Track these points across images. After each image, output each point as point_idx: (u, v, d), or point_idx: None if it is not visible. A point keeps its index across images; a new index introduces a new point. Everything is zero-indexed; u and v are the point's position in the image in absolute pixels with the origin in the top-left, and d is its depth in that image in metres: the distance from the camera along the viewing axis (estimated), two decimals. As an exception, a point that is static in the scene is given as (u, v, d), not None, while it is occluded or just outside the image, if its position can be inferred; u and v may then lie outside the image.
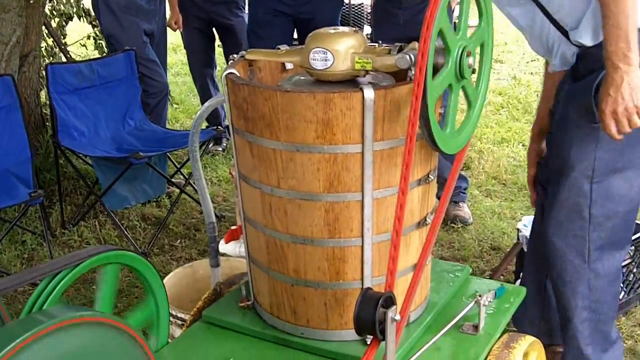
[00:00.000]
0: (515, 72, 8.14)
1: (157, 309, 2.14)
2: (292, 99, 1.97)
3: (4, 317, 1.66)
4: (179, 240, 4.50)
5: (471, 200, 5.00)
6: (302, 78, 2.23)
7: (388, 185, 2.05)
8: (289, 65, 2.41)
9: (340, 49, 2.07)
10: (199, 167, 2.53)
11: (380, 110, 1.96)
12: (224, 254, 2.68)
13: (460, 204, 4.71)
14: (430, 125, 1.93)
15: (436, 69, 1.94)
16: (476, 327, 2.26)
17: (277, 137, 2.02)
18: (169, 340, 2.26)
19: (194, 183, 4.81)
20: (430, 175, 2.15)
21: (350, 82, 2.12)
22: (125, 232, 4.41)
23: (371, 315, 1.76)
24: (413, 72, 1.90)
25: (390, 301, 1.80)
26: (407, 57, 1.95)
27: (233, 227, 2.63)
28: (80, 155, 4.90)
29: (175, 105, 7.20)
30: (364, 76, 2.16)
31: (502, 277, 3.77)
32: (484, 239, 4.45)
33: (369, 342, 2.12)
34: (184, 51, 6.12)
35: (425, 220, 2.20)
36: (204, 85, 5.75)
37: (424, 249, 2.08)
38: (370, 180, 2.01)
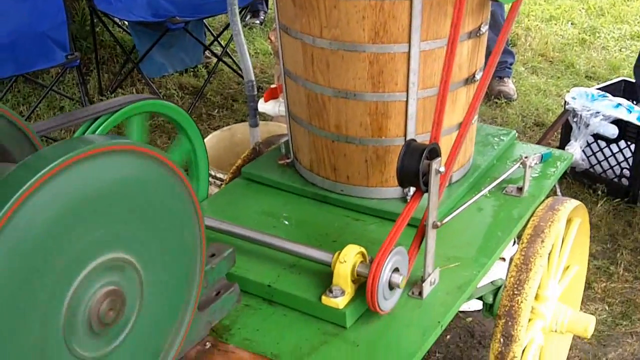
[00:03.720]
0: (567, -52, 7.73)
1: (196, 159, 2.11)
2: (338, -60, 1.85)
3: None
4: (216, 110, 4.47)
5: (516, 77, 4.86)
6: None
7: (437, 36, 1.95)
8: None
9: None
10: (238, 22, 2.45)
11: (431, -46, 1.84)
12: (263, 114, 2.64)
13: (505, 79, 4.57)
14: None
15: None
16: (520, 189, 2.21)
17: (321, -17, 1.92)
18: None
19: (231, 53, 4.73)
20: (481, 28, 2.05)
21: None
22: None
23: (415, 166, 1.71)
24: None
25: (434, 153, 1.74)
26: None
27: (272, 86, 2.58)
28: (117, 21, 4.82)
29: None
30: None
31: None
32: (528, 115, 4.35)
33: (409, 199, 2.09)
34: None
35: (474, 76, 2.11)
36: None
37: (471, 105, 2.00)
38: (418, 31, 1.92)
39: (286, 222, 2.11)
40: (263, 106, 2.56)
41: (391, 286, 1.66)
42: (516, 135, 2.53)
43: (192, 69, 4.90)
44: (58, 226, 1.14)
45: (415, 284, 1.80)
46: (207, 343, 1.62)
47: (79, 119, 1.83)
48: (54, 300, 1.16)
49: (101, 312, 1.23)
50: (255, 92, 2.58)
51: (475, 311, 2.72)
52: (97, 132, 1.83)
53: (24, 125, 1.51)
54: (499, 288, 2.16)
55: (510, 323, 1.89)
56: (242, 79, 4.73)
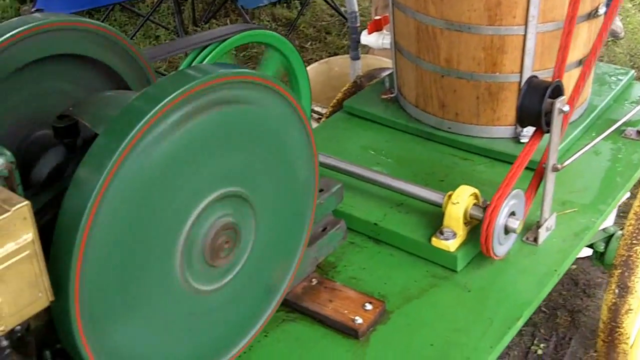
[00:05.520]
0: None
1: (299, 93, 2.06)
2: None
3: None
4: (309, 42, 4.40)
5: (622, 14, 4.59)
6: None
7: (561, -34, 1.82)
8: None
9: None
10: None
11: None
12: (364, 47, 2.56)
13: (612, 16, 4.32)
14: None
15: None
16: (640, 133, 2.08)
17: None
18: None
19: (326, -16, 4.62)
20: (610, -42, 1.89)
21: None
22: (256, 31, 4.34)
23: (537, 104, 1.61)
24: None
25: (558, 91, 1.63)
26: None
27: (376, 17, 2.48)
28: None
29: None
30: None
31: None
32: (637, 54, 4.11)
33: (522, 140, 2.00)
34: None
35: (597, 10, 1.96)
36: None
37: (597, 41, 1.87)
38: (542, -41, 1.79)
39: (389, 159, 2.04)
40: (366, 38, 2.46)
41: (507, 230, 1.59)
42: (634, 74, 2.38)
43: (286, 1, 4.81)
44: (178, 157, 1.11)
45: (529, 230, 1.71)
46: (313, 279, 1.59)
47: (187, 47, 1.80)
48: (171, 232, 1.14)
49: (217, 245, 1.20)
50: (358, 24, 2.50)
51: (579, 259, 2.61)
52: (205, 61, 1.80)
53: (137, 52, 1.48)
54: (611, 236, 2.05)
55: (626, 274, 1.79)
56: (335, 12, 4.63)
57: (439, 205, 1.67)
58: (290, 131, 1.31)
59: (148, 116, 1.05)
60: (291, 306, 1.54)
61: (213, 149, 1.16)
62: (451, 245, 1.62)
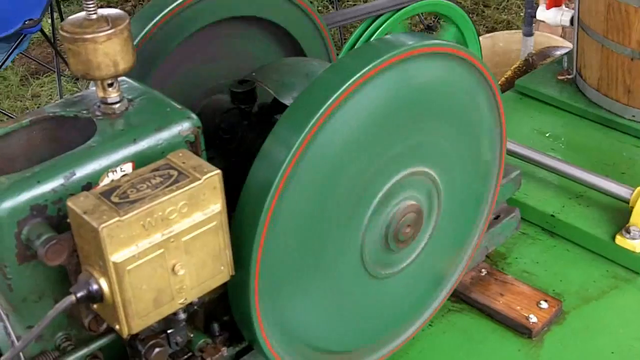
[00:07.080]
0: None
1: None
2: None
3: (332, 56, 1.55)
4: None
5: None
6: None
7: None
8: None
9: None
10: None
11: None
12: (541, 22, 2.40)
13: None
14: None
15: None
16: None
17: None
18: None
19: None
20: None
21: None
22: None
23: None
24: None
25: None
26: None
27: (556, -8, 2.31)
28: None
29: None
30: None
31: None
32: None
33: None
34: None
35: None
36: None
37: None
38: None
39: (564, 146, 1.90)
40: (543, 14, 2.30)
41: None
42: None
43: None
44: (367, 133, 1.04)
45: None
46: (483, 270, 1.50)
47: (362, 15, 1.74)
48: (356, 212, 1.08)
49: (400, 228, 1.13)
50: (534, -2, 2.33)
51: None
52: (379, 31, 1.73)
53: (318, 20, 1.43)
54: None
55: None
56: (497, -17, 4.42)
57: (625, 201, 1.53)
58: (481, 108, 1.21)
59: (340, 90, 0.99)
60: (458, 296, 1.46)
61: (402, 125, 1.09)
62: (638, 245, 1.48)
